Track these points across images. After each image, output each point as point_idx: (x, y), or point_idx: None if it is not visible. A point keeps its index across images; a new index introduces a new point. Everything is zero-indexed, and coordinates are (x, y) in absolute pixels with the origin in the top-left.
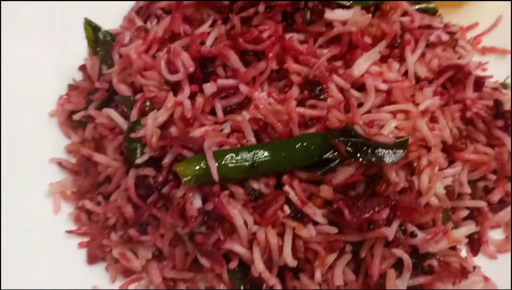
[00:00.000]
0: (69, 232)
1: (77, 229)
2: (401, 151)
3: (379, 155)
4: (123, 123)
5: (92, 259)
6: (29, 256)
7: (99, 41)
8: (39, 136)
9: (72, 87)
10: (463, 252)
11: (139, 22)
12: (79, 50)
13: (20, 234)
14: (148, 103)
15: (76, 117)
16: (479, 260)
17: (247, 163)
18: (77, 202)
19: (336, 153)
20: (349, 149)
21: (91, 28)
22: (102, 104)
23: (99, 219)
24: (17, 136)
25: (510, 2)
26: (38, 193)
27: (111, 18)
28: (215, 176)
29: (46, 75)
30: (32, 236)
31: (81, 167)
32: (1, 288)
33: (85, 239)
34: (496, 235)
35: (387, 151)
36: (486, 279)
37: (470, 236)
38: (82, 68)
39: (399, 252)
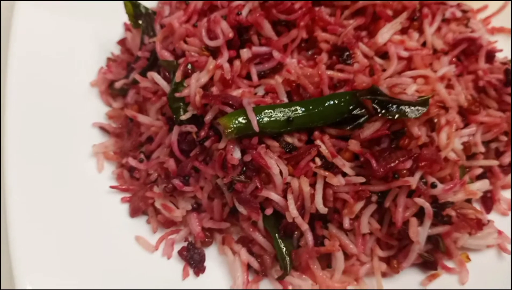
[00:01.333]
0: (113, 187)
1: (120, 185)
2: (423, 108)
3: (403, 111)
4: (166, 86)
5: (134, 212)
6: (75, 211)
7: (140, 15)
8: (82, 104)
9: (111, 60)
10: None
11: None
12: (115, 28)
13: (67, 192)
14: (189, 67)
15: (118, 84)
16: (492, 217)
17: (283, 118)
18: (119, 161)
19: (363, 110)
20: (375, 106)
21: (131, 4)
22: (143, 71)
23: (141, 176)
24: (61, 105)
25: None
26: (83, 154)
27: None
28: (255, 127)
29: (87, 50)
30: (78, 193)
31: (123, 129)
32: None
33: (127, 195)
34: (507, 194)
35: (410, 107)
36: (499, 232)
37: (483, 195)
38: (121, 42)
39: (420, 201)
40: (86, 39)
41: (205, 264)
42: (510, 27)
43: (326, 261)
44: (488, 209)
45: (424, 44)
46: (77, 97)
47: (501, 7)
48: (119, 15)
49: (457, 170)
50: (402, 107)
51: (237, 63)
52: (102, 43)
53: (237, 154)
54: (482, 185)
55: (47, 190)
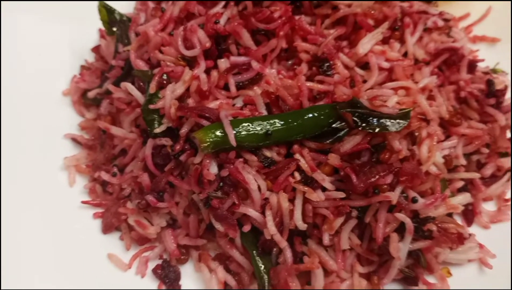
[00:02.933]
0: (84, 203)
1: (92, 200)
2: (404, 121)
3: (384, 124)
4: (140, 97)
5: (106, 228)
6: (45, 227)
7: (116, 21)
8: (53, 114)
9: (85, 68)
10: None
11: (152, 5)
12: (90, 33)
13: (36, 207)
14: (165, 78)
15: (91, 94)
16: (473, 231)
17: (261, 131)
18: (91, 175)
19: (343, 123)
20: (356, 119)
21: (105, 10)
22: (117, 81)
23: (114, 190)
24: (31, 115)
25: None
26: (53, 167)
27: (122, 3)
28: (233, 141)
29: (60, 56)
30: (48, 208)
31: (96, 141)
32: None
33: (100, 210)
34: (488, 207)
35: (391, 121)
36: (480, 245)
37: (464, 207)
38: (95, 49)
39: (401, 216)
40: (60, 45)
41: (181, 282)
42: (491, 35)
43: (306, 278)
44: (469, 222)
45: (405, 55)
46: (49, 106)
47: (483, 15)
48: (96, 20)
49: (438, 184)
50: (383, 120)
51: (214, 73)
52: (76, 49)
53: (213, 169)
54: (464, 199)
55: (15, 203)
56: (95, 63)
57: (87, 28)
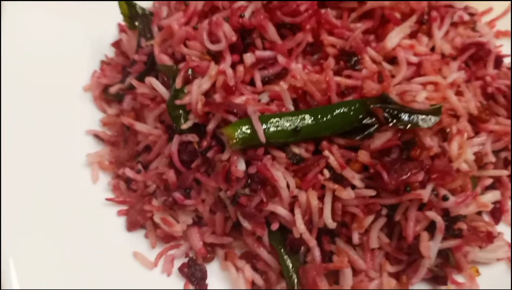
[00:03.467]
0: (109, 200)
1: (116, 197)
2: (436, 117)
3: (415, 120)
4: (165, 92)
5: (131, 226)
6: (68, 225)
7: (137, 15)
8: (74, 110)
9: (105, 63)
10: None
11: None
12: (108, 28)
13: (60, 204)
14: (190, 73)
15: (113, 90)
16: (501, 228)
17: (290, 127)
18: (115, 171)
19: (373, 119)
20: (386, 114)
21: (126, 4)
22: (140, 76)
23: (138, 187)
24: (52, 111)
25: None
26: (76, 164)
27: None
28: (262, 138)
29: (79, 51)
30: (71, 205)
31: (119, 137)
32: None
33: (124, 207)
34: None
35: (422, 117)
36: (509, 245)
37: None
38: (115, 44)
39: (432, 214)
40: (79, 41)
41: (207, 281)
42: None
43: (334, 278)
44: (497, 220)
45: (432, 49)
46: (70, 102)
47: (506, 10)
48: (113, 15)
49: (469, 181)
50: (414, 116)
51: (240, 68)
52: (95, 45)
53: (241, 166)
54: (493, 197)
55: (38, 202)
56: (116, 58)
57: (105, 23)
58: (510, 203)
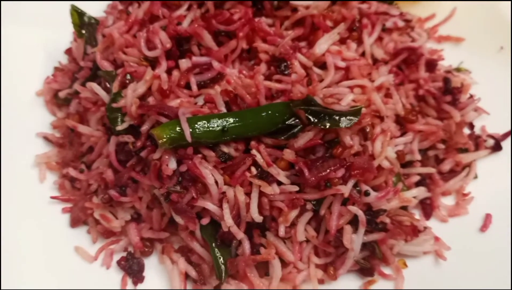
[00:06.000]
0: (53, 198)
1: (61, 195)
2: (355, 117)
3: (335, 121)
4: (105, 96)
5: (74, 222)
6: (16, 221)
7: (84, 24)
8: (27, 113)
9: (58, 69)
10: (417, 217)
11: (121, 7)
12: (65, 36)
13: (8, 202)
14: (128, 77)
15: (62, 94)
16: (432, 224)
17: (217, 128)
18: (61, 171)
19: (297, 120)
20: (308, 116)
21: (77, 14)
22: (86, 81)
23: (82, 186)
24: (5, 114)
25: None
26: (26, 164)
27: (96, 6)
28: (188, 137)
29: (34, 58)
30: (19, 203)
31: (66, 139)
32: None
33: (69, 205)
34: (447, 201)
35: (342, 117)
36: (436, 238)
37: (423, 202)
38: (68, 51)
39: (354, 208)
40: (36, 47)
41: (145, 273)
42: (457, 35)
43: (265, 269)
44: (428, 216)
45: (363, 54)
46: (23, 106)
47: (449, 16)
48: (70, 24)
49: (391, 178)
50: (335, 117)
51: (175, 73)
52: (51, 51)
53: (172, 165)
54: (417, 192)
55: None
56: (68, 64)
57: (63, 31)
58: (440, 199)
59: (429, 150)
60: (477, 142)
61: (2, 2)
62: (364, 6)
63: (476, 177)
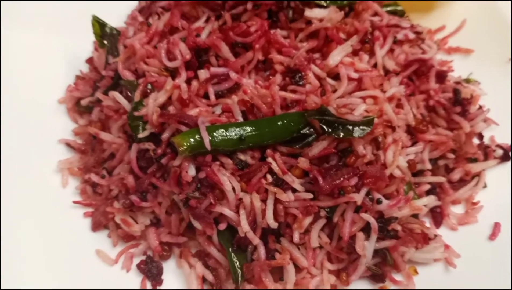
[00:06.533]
0: (76, 202)
1: (83, 200)
2: (368, 127)
3: (348, 130)
4: (127, 105)
5: (95, 226)
6: (39, 225)
7: (106, 35)
8: (49, 121)
9: (80, 78)
10: (428, 225)
11: (141, 19)
12: (85, 46)
13: (31, 207)
14: (149, 87)
15: (84, 102)
16: (442, 232)
17: (235, 137)
18: (83, 177)
19: (311, 130)
20: (322, 125)
21: (98, 24)
22: (107, 90)
23: (103, 191)
24: (29, 121)
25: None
26: (48, 170)
27: (115, 17)
28: (208, 145)
29: (57, 67)
30: (42, 207)
31: (87, 146)
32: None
33: (90, 209)
34: (457, 210)
35: (355, 127)
36: (446, 246)
37: (433, 210)
38: (89, 60)
39: (366, 216)
40: (57, 56)
41: (163, 277)
42: (467, 46)
43: (279, 274)
44: (438, 224)
45: (375, 66)
46: (46, 113)
47: (458, 27)
48: (91, 33)
49: (402, 186)
50: (348, 126)
51: (194, 83)
52: (72, 60)
53: (191, 171)
54: (428, 200)
55: (13, 203)
56: (89, 73)
57: (83, 41)
58: (450, 208)
59: (439, 159)
60: (486, 152)
61: (22, 11)
62: (376, 18)
63: (485, 186)
